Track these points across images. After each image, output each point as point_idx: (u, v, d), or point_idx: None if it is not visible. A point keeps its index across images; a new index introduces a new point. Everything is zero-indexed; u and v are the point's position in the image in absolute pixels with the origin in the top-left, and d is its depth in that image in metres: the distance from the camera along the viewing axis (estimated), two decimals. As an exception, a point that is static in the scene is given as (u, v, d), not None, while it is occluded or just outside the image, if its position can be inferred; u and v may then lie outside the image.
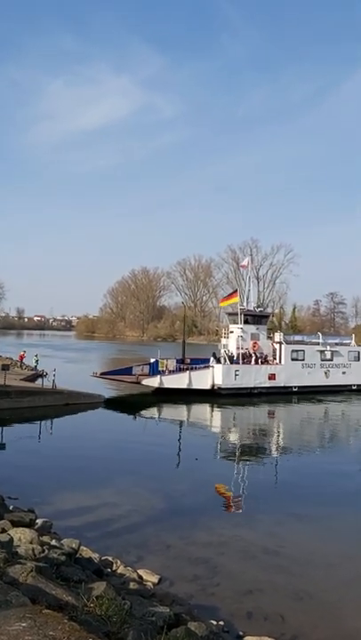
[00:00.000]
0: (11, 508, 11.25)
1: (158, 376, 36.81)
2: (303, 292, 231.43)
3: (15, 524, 9.54)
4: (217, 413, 33.84)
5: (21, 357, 50.75)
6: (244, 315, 41.66)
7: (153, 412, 33.00)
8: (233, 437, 26.33)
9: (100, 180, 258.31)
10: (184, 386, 37.03)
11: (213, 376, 38.00)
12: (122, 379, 37.66)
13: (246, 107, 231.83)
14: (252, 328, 41.51)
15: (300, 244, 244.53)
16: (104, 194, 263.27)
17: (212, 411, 34.20)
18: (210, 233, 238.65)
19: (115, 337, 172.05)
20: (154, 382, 36.70)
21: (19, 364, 49.14)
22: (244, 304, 44.06)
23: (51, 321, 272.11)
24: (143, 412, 32.37)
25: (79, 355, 78.03)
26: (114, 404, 33.28)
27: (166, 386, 36.65)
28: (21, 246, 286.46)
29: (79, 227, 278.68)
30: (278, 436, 27.78)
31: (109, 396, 34.58)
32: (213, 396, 36.99)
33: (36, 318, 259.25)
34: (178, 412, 33.52)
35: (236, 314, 42.01)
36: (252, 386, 39.07)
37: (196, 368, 38.70)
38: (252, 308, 44.10)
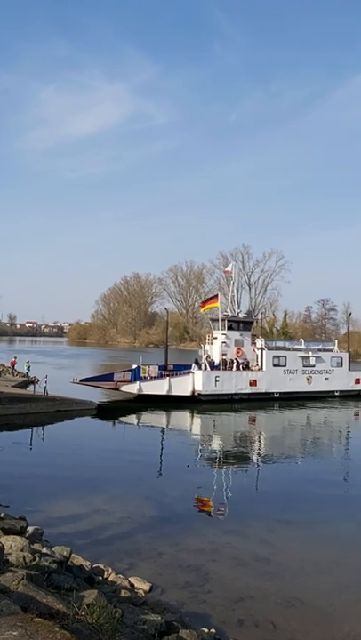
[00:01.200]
0: (1, 515, 11.18)
1: (137, 382, 36.56)
2: (295, 298, 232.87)
3: (6, 531, 9.50)
4: (200, 420, 33.66)
5: (13, 364, 50.54)
6: (228, 320, 41.52)
7: (144, 418, 32.86)
8: (220, 444, 26.13)
9: (93, 186, 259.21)
10: (164, 392, 36.76)
11: (194, 382, 37.80)
12: (101, 385, 37.24)
13: (238, 113, 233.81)
14: (235, 334, 41.35)
15: (292, 251, 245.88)
16: (96, 200, 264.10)
17: (193, 417, 34.02)
18: (202, 239, 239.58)
19: (107, 343, 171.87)
20: (133, 389, 36.42)
21: (10, 370, 48.96)
22: (228, 310, 44.09)
23: (43, 327, 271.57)
24: (134, 420, 32.31)
25: (71, 361, 77.83)
26: (106, 410, 33.17)
27: (145, 392, 36.38)
28: (14, 252, 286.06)
29: (71, 233, 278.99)
30: (263, 442, 27.62)
31: (101, 403, 34.46)
32: (194, 403, 36.73)
33: (27, 324, 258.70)
34: (169, 419, 33.44)
35: (221, 320, 41.84)
36: (232, 392, 38.81)
37: (176, 374, 38.50)
38: (236, 314, 44.05)
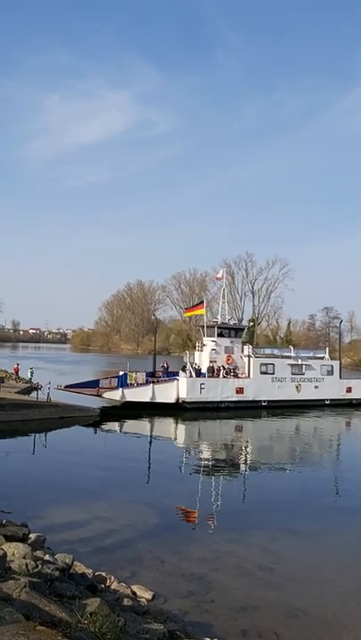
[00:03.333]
0: (4, 522, 11.15)
1: (120, 389, 36.12)
2: (299, 306, 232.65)
3: (8, 538, 9.46)
4: (185, 428, 33.35)
5: (16, 370, 50.60)
6: (218, 327, 41.22)
7: (133, 426, 32.49)
8: (215, 453, 25.68)
9: (96, 194, 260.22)
10: (147, 399, 36.27)
11: (178, 389, 37.25)
12: (84, 392, 36.49)
13: (241, 121, 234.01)
14: (226, 341, 40.99)
15: (296, 259, 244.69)
16: (100, 207, 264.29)
17: (177, 426, 33.77)
18: (205, 246, 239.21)
19: (110, 350, 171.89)
20: (115, 395, 35.87)
21: (13, 376, 49.00)
22: (219, 317, 43.92)
23: (46, 334, 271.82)
24: (129, 427, 32.11)
25: (73, 367, 77.78)
26: (109, 417, 33.07)
27: (128, 399, 35.87)
28: (17, 259, 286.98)
29: (74, 240, 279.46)
30: (256, 451, 27.35)
31: (105, 410, 34.35)
32: (178, 410, 36.24)
33: (31, 331, 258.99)
34: (159, 426, 33.26)
35: (210, 327, 41.66)
36: (218, 400, 38.20)
37: (160, 381, 38.14)
38: (227, 321, 43.77)
